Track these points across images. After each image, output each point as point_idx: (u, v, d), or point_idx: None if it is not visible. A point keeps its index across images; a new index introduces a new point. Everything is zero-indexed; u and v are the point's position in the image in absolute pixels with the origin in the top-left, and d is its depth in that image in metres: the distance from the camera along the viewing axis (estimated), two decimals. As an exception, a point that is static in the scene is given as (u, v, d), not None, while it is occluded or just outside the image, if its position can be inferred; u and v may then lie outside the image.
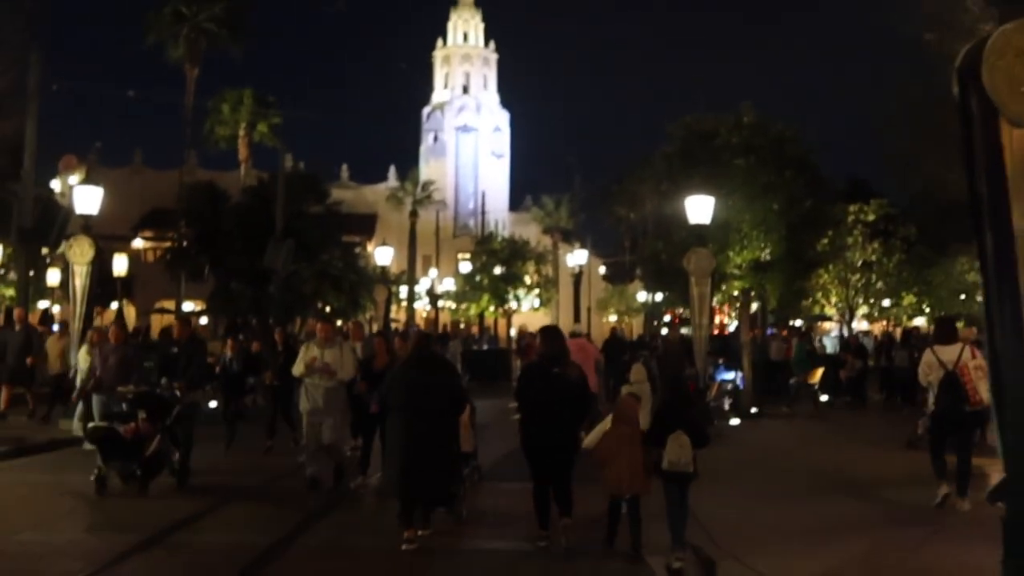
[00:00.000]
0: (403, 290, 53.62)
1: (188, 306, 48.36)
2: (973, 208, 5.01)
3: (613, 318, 63.74)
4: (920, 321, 42.34)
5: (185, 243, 40.08)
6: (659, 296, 42.64)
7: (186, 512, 10.43)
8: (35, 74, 21.99)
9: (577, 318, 57.70)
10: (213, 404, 16.54)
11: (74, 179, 29.30)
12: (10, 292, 29.05)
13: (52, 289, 34.02)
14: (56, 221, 28.94)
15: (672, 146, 22.29)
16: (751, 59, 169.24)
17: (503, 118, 74.81)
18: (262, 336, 22.06)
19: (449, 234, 66.60)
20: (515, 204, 72.51)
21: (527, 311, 54.87)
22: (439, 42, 76.08)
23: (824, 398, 23.76)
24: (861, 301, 35.10)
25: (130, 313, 50.29)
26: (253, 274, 32.82)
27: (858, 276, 32.94)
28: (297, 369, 12.10)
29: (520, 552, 9.00)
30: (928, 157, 26.91)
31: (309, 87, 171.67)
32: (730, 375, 22.13)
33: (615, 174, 59.98)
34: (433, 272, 58.92)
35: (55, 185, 31.98)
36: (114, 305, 43.22)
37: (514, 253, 53.16)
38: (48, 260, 32.72)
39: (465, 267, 55.17)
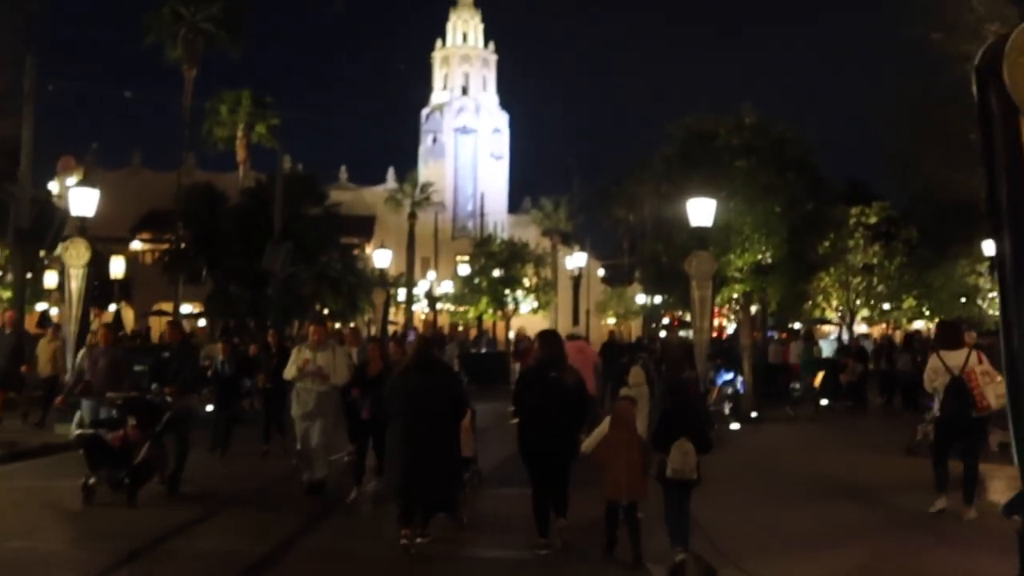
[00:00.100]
0: (401, 292, 53.52)
1: (186, 308, 48.30)
2: (992, 209, 4.87)
3: (612, 321, 63.63)
4: (919, 324, 42.23)
5: (183, 245, 40.00)
6: (658, 299, 42.52)
7: (180, 519, 10.27)
8: (31, 75, 21.85)
9: (576, 321, 57.61)
10: (210, 408, 16.35)
11: (72, 181, 29.15)
12: (7, 294, 28.88)
13: (50, 291, 33.86)
14: (53, 223, 28.77)
15: (672, 147, 22.17)
16: (750, 60, 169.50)
17: (502, 119, 74.70)
18: (260, 338, 21.90)
19: (448, 236, 66.49)
20: (514, 206, 72.46)
21: (526, 313, 54.74)
22: (438, 43, 75.96)
23: (824, 402, 23.65)
24: (860, 304, 35.01)
25: (128, 315, 50.14)
26: (251, 276, 32.73)
27: (859, 279, 32.84)
28: (289, 372, 11.90)
29: (519, 561, 8.87)
30: (929, 157, 26.83)
31: (307, 88, 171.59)
32: (728, 375, 22.01)
33: (614, 175, 59.84)
34: (432, 274, 58.80)
35: (53, 187, 31.82)
36: (112, 307, 43.20)
37: (513, 255, 53.01)
38: (46, 262, 32.57)
39: (464, 269, 55.06)
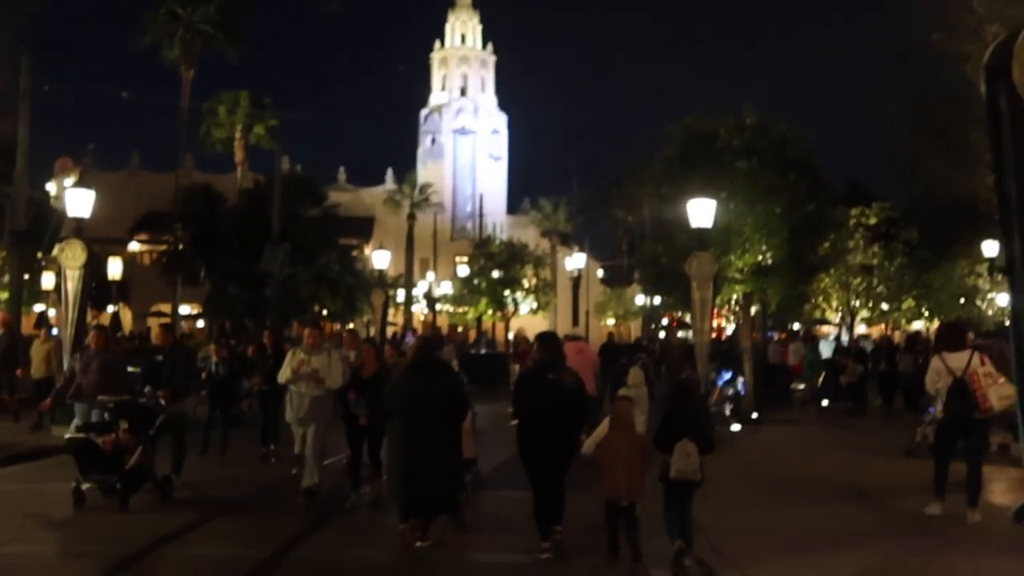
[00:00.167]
0: (400, 293, 53.41)
1: (185, 309, 48.20)
2: (1001, 207, 4.79)
3: (611, 322, 63.55)
4: (918, 325, 42.16)
5: (181, 246, 39.89)
6: (657, 300, 42.40)
7: (175, 525, 10.13)
8: (27, 75, 21.76)
9: (576, 322, 57.52)
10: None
11: (69, 182, 29.07)
12: (4, 296, 28.81)
13: (48, 293, 33.80)
14: (50, 224, 28.69)
15: (672, 148, 22.06)
16: (750, 60, 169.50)
17: (501, 120, 74.64)
18: (258, 340, 21.80)
19: (447, 237, 66.42)
20: (513, 207, 72.39)
21: (525, 315, 54.67)
22: (436, 44, 75.90)
23: (824, 403, 23.53)
24: (859, 305, 34.92)
25: (126, 317, 50.18)
26: (250, 277, 32.64)
27: (859, 280, 32.77)
28: (283, 375, 11.69)
29: (520, 565, 8.78)
30: (929, 158, 26.78)
31: (306, 89, 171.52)
32: (727, 375, 21.95)
33: (613, 176, 59.64)
34: (431, 275, 58.72)
35: (51, 188, 31.75)
36: (111, 308, 43.16)
37: (512, 256, 52.96)
38: (43, 263, 32.50)
39: (463, 270, 54.99)
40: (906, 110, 26.45)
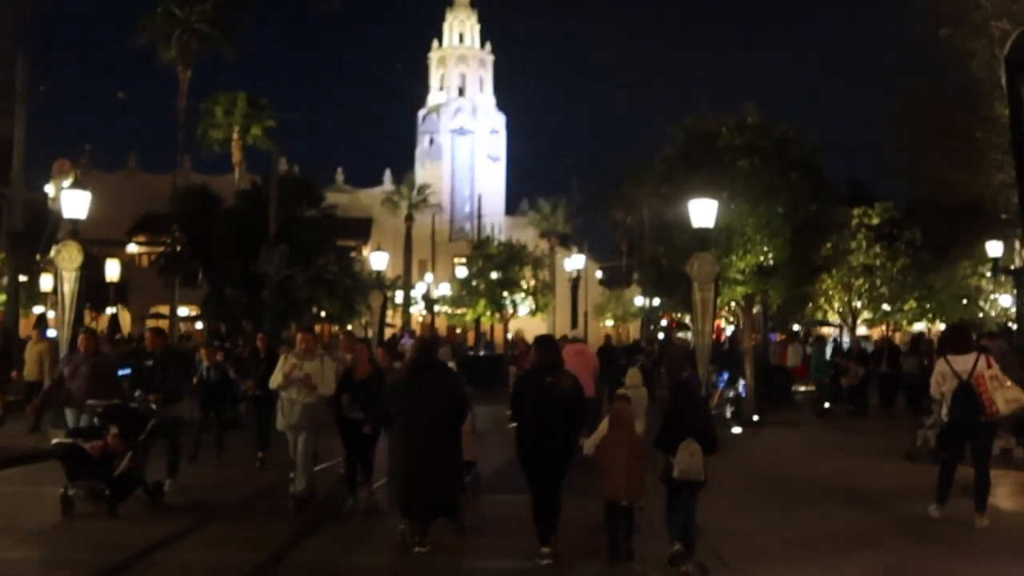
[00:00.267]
0: (399, 295, 53.23)
1: (183, 311, 48.06)
2: (1021, 199, 4.66)
3: (610, 323, 63.43)
4: (920, 326, 42.06)
5: (178, 248, 39.77)
6: (656, 301, 42.31)
7: (168, 530, 9.94)
8: (23, 75, 21.68)
9: (575, 323, 57.32)
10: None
11: (67, 183, 28.99)
12: (2, 298, 28.71)
13: (46, 295, 33.71)
14: (47, 225, 28.61)
15: (673, 147, 21.94)
16: (750, 60, 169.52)
17: (499, 121, 74.54)
18: (254, 343, 21.64)
19: (445, 238, 66.30)
20: (512, 208, 72.28)
21: (524, 316, 54.54)
22: (434, 43, 75.78)
23: (826, 405, 23.43)
24: (861, 307, 34.84)
25: (125, 318, 50.01)
26: (247, 279, 32.51)
27: (861, 281, 32.67)
28: (275, 381, 11.38)
29: (520, 571, 8.68)
30: (931, 157, 26.68)
31: (304, 90, 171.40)
32: (725, 376, 21.87)
33: (612, 177, 59.67)
34: (429, 276, 58.58)
35: (49, 189, 31.67)
36: (109, 310, 43.01)
37: (511, 257, 52.84)
38: (42, 265, 32.43)
39: (461, 272, 54.84)
40: (909, 109, 26.34)
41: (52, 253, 20.50)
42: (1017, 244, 29.89)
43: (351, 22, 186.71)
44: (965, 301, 37.59)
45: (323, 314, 41.67)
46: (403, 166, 69.02)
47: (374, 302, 34.42)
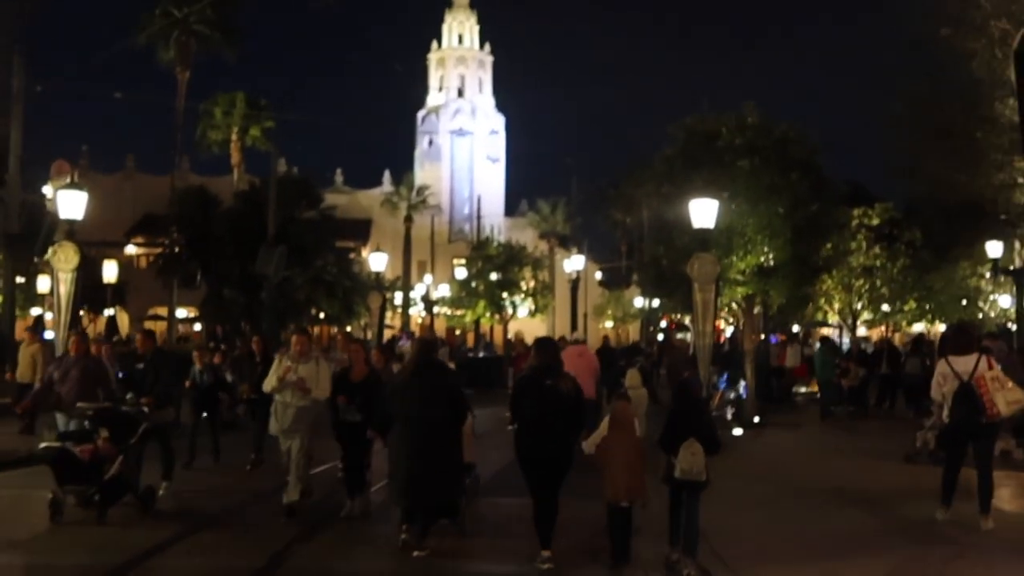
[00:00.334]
0: (398, 296, 53.10)
1: (181, 313, 47.97)
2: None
3: (609, 324, 63.33)
4: (919, 327, 41.94)
5: (177, 249, 39.68)
6: (656, 302, 42.19)
7: (161, 536, 9.75)
8: (19, 76, 21.61)
9: (574, 324, 57.28)
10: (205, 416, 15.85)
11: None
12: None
13: (44, 296, 33.64)
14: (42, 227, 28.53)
15: (673, 147, 21.85)
16: (749, 61, 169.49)
17: (498, 121, 74.52)
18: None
19: (444, 239, 66.25)
20: (511, 209, 72.26)
21: (523, 317, 54.43)
22: (433, 45, 75.76)
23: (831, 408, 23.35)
24: (861, 307, 34.74)
25: (123, 320, 49.91)
26: (245, 280, 32.43)
27: (862, 281, 32.58)
28: (268, 384, 11.10)
29: (521, 574, 8.60)
30: (931, 158, 26.62)
31: (303, 91, 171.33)
32: (725, 377, 21.79)
33: (612, 178, 59.64)
34: (428, 278, 58.48)
35: (47, 191, 31.60)
36: (108, 312, 42.92)
37: (510, 258, 52.70)
38: (39, 267, 32.35)
39: (461, 273, 54.76)
40: (909, 109, 26.29)
41: (48, 254, 20.40)
42: (1017, 244, 29.85)
43: (351, 23, 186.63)
44: (964, 302, 37.50)
45: (322, 315, 41.58)
46: (402, 167, 69.06)
47: (373, 303, 34.37)
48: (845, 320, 35.38)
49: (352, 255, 50.59)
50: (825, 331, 44.50)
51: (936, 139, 25.38)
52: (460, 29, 75.51)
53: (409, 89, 79.01)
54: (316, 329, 45.29)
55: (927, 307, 37.58)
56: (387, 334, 39.55)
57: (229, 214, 36.95)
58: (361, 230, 58.63)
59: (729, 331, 35.41)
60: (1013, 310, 30.60)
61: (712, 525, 9.21)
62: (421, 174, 68.90)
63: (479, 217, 66.92)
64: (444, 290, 57.30)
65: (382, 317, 41.56)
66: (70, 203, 18.13)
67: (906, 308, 36.16)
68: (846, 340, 36.69)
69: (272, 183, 31.48)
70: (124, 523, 10.25)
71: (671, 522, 8.52)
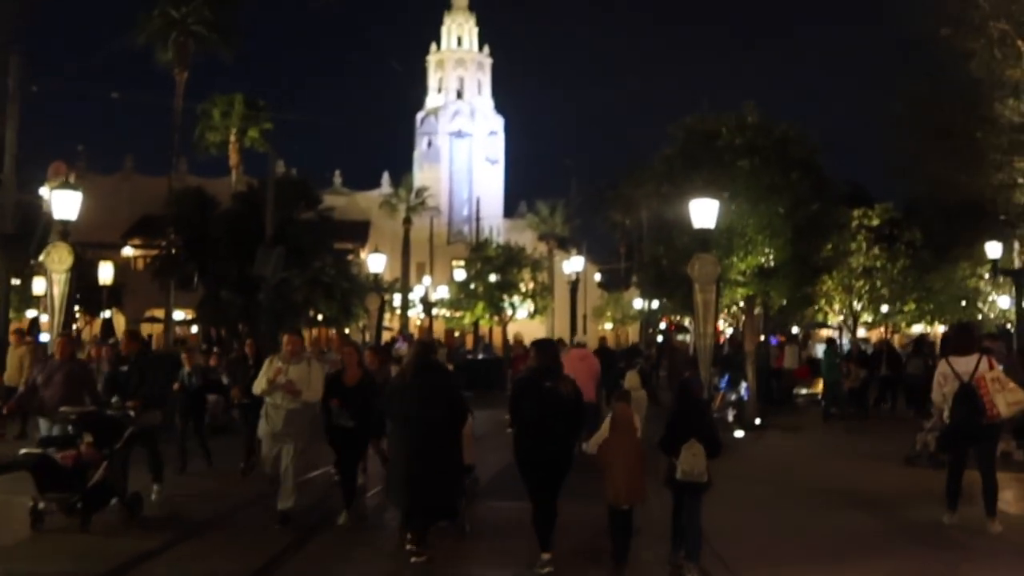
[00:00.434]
0: (397, 298, 52.99)
1: (178, 315, 47.84)
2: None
3: (609, 326, 63.27)
4: (918, 328, 41.88)
5: (174, 251, 39.56)
6: (655, 303, 42.10)
7: (147, 544, 9.48)
8: (15, 76, 21.48)
9: (573, 326, 57.22)
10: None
11: (62, 185, 28.80)
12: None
13: (39, 298, 33.49)
14: (38, 227, 28.41)
15: (673, 147, 21.76)
16: (749, 61, 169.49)
17: (497, 123, 74.55)
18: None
19: (443, 241, 66.22)
20: (510, 210, 72.29)
21: (523, 319, 54.31)
22: (432, 46, 75.76)
23: (832, 410, 23.23)
24: (860, 308, 34.65)
25: (119, 322, 49.77)
26: (243, 282, 32.28)
27: (862, 282, 32.49)
28: (258, 386, 10.78)
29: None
30: (931, 158, 26.53)
31: (301, 92, 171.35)
32: (726, 379, 21.68)
33: (611, 179, 59.63)
34: (427, 279, 58.39)
35: (44, 192, 31.49)
36: (105, 314, 42.82)
37: (509, 260, 52.58)
38: (34, 268, 32.22)
39: (459, 274, 54.67)
40: (909, 109, 26.21)
41: (42, 255, 20.26)
42: (1017, 245, 29.76)
43: (350, 23, 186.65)
44: (964, 302, 37.43)
45: (320, 317, 41.44)
46: (401, 169, 69.05)
47: (371, 305, 34.26)
48: (846, 321, 35.29)
49: (350, 257, 50.44)
50: (825, 332, 44.40)
51: (936, 139, 25.30)
52: (459, 31, 75.56)
53: (408, 90, 79.19)
54: (314, 331, 45.19)
55: (926, 308, 37.50)
56: (385, 336, 39.42)
57: (227, 215, 36.82)
58: (360, 231, 58.59)
59: (729, 332, 35.33)
60: (1012, 311, 30.52)
61: (713, 526, 9.15)
62: (420, 176, 68.90)
63: (478, 219, 66.89)
64: (443, 292, 57.21)
65: (380, 319, 41.51)
66: (64, 203, 17.96)
67: (906, 309, 36.08)
68: (845, 341, 36.55)
69: (270, 184, 31.34)
70: (109, 531, 9.95)
71: (674, 526, 8.48)
